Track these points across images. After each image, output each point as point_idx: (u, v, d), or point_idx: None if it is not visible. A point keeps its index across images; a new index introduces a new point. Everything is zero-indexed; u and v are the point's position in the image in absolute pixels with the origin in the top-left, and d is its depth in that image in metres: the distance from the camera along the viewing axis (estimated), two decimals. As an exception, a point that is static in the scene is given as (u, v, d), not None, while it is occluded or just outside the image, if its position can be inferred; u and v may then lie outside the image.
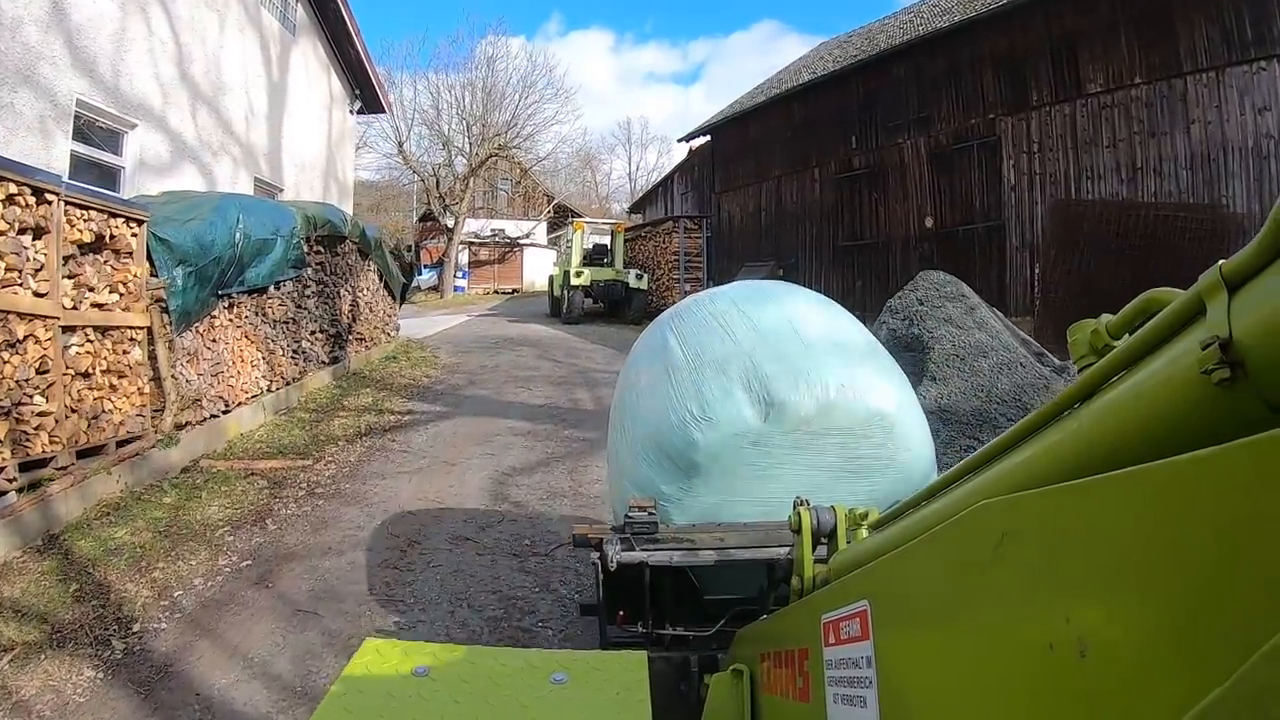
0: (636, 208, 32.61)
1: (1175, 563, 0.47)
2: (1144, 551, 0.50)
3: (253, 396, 7.55)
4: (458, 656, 1.41)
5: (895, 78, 15.73)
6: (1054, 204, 12.47)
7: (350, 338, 10.38)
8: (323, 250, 9.40)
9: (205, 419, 6.50)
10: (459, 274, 31.29)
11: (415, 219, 35.40)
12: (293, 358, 8.49)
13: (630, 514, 2.39)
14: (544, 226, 35.21)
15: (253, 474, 6.24)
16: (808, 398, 2.45)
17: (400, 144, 29.98)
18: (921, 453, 2.63)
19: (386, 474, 6.26)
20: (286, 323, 8.34)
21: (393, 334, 12.95)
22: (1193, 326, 0.58)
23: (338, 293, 9.93)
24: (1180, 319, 0.59)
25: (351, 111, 14.31)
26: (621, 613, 2.43)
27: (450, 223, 29.61)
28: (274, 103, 11.26)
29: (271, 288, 7.96)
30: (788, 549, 1.88)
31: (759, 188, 19.89)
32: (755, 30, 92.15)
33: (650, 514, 2.39)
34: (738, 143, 20.96)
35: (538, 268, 34.63)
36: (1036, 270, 13.02)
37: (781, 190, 19.05)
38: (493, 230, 33.88)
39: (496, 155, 30.42)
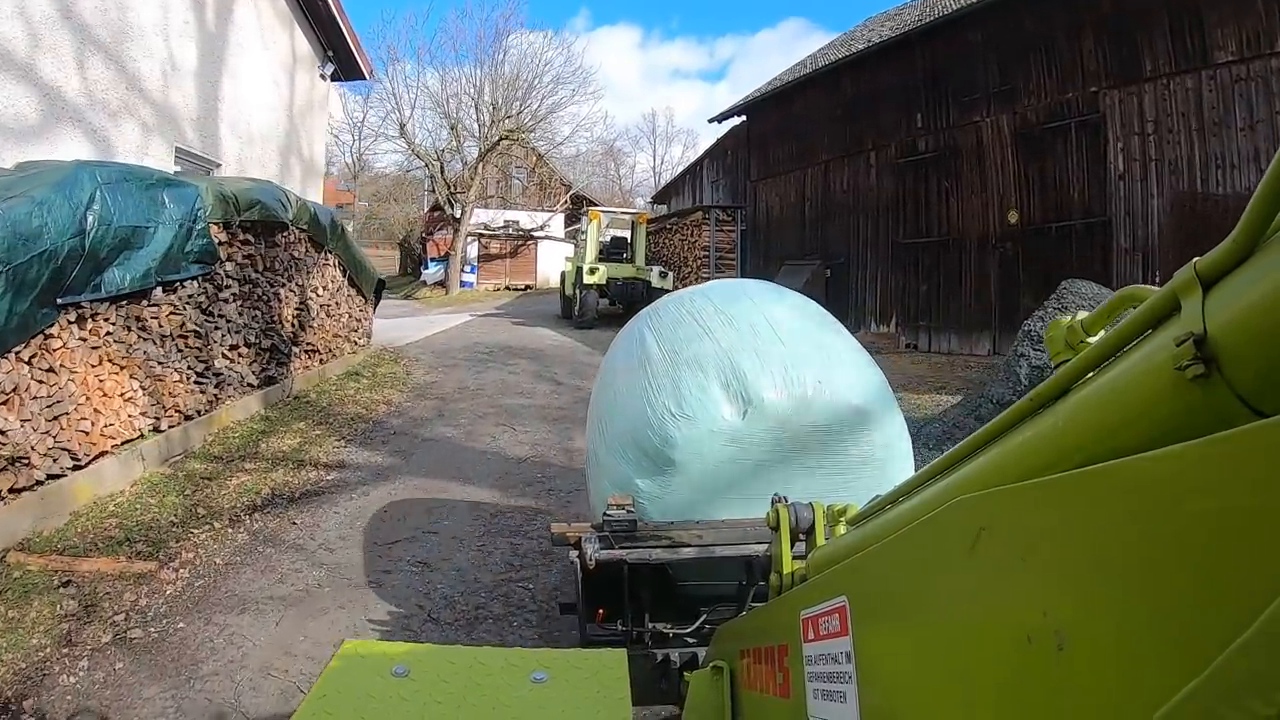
0: (661, 198, 29.95)
1: (1151, 556, 0.47)
2: (1120, 545, 0.51)
3: (125, 442, 5.42)
4: (437, 656, 1.41)
5: (971, 43, 13.14)
6: (1174, 198, 10.31)
7: (296, 350, 8.17)
8: (252, 240, 7.23)
9: (35, 483, 4.52)
10: (467, 268, 28.87)
11: (426, 209, 32.68)
12: (198, 383, 6.35)
13: (608, 512, 2.44)
14: (561, 219, 32.67)
15: (70, 581, 4.07)
16: (785, 395, 2.48)
17: (402, 125, 27.36)
18: (898, 449, 2.66)
19: (251, 600, 3.98)
20: (187, 337, 6.15)
21: (362, 342, 10.73)
22: (1167, 323, 0.58)
23: (275, 294, 7.71)
24: (1155, 315, 0.60)
25: (323, 77, 12.07)
26: (601, 611, 2.45)
27: (457, 212, 27.06)
28: (207, 57, 8.95)
29: (158, 290, 5.83)
30: (766, 546, 1.82)
31: (802, 175, 17.29)
32: (782, 28, 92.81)
33: (629, 512, 2.44)
34: (778, 123, 18.24)
35: (553, 262, 32.13)
36: (1156, 279, 10.47)
37: (830, 178, 16.46)
38: (505, 221, 30.96)
39: (509, 138, 27.50)
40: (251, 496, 5.34)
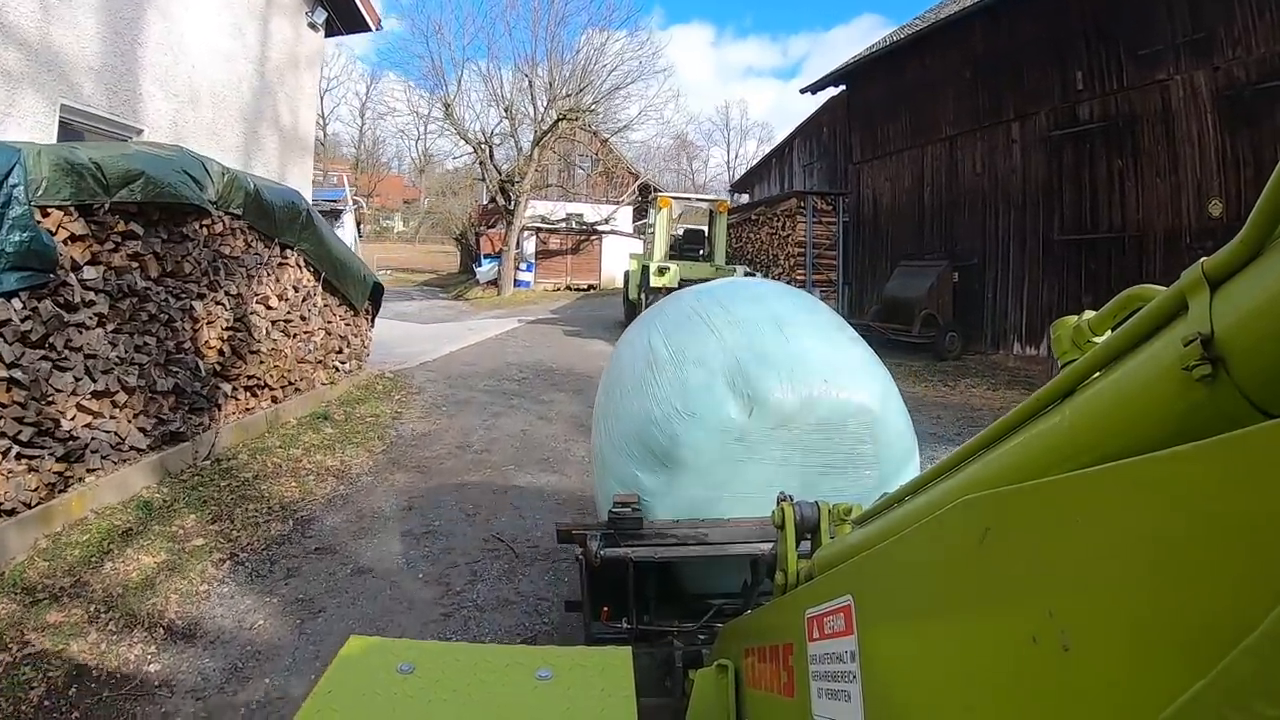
0: (741, 186, 26.64)
1: (1157, 557, 0.47)
2: (1126, 546, 0.51)
3: None
4: (442, 654, 1.41)
5: (1150, -22, 9.87)
6: None
7: (225, 389, 5.71)
8: (140, 232, 4.79)
9: None
10: (522, 266, 26.38)
11: (485, 200, 29.50)
12: (22, 457, 4.17)
13: (614, 510, 2.42)
14: (628, 211, 29.77)
15: None
16: (791, 393, 2.47)
17: (447, 105, 24.05)
18: (904, 448, 2.64)
19: None
20: (-7, 387, 3.74)
21: (348, 366, 8.26)
22: (1174, 323, 0.58)
23: (186, 310, 5.25)
24: (1162, 316, 0.60)
25: (313, 26, 9.63)
26: (606, 609, 2.44)
27: (511, 204, 24.14)
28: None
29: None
30: (771, 544, 1.83)
31: (920, 154, 14.01)
32: (855, 24, 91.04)
33: (634, 510, 2.43)
34: (887, 92, 14.89)
35: (619, 260, 29.42)
36: None
37: (957, 156, 13.15)
38: (567, 214, 27.82)
39: (568, 119, 24.04)
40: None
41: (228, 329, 5.85)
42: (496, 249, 25.84)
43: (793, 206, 15.41)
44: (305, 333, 7.19)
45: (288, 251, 6.74)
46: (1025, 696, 0.59)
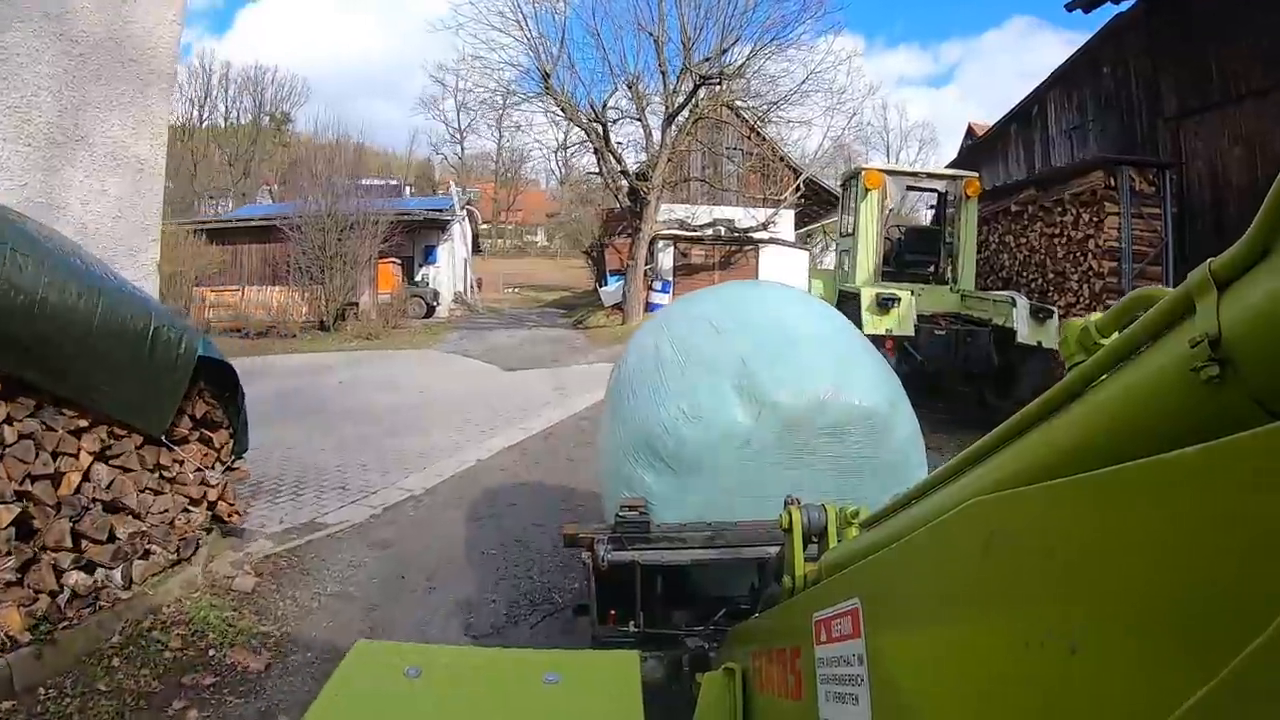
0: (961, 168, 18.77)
1: (1165, 559, 0.48)
2: (1134, 548, 0.51)
3: None
4: (450, 657, 1.43)
5: None
6: None
7: None
8: None
9: None
10: (657, 285, 21.09)
11: (620, 203, 20.77)
12: None
13: (621, 513, 2.44)
14: (790, 216, 23.45)
15: None
16: (798, 398, 2.49)
17: (546, 76, 17.72)
18: (911, 451, 2.66)
19: None
20: None
21: (152, 572, 3.35)
22: (1181, 324, 0.58)
23: None
24: (1169, 317, 0.60)
25: None
26: (613, 612, 2.44)
27: (638, 206, 18.31)
28: None
29: None
30: (778, 548, 1.79)
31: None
32: (1009, 27, 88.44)
33: (641, 513, 2.44)
34: (1219, 4, 8.70)
35: (780, 274, 23.52)
36: None
37: None
38: (714, 219, 21.03)
39: (708, 83, 17.74)
40: None
41: None
42: (625, 263, 20.52)
43: (1098, 182, 9.00)
44: None
45: None
46: (1032, 699, 0.60)
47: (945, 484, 0.96)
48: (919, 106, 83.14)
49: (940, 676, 0.77)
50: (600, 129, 18.02)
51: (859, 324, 7.30)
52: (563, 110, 18.20)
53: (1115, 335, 0.75)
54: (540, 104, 19.20)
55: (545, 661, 1.39)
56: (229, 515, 4.46)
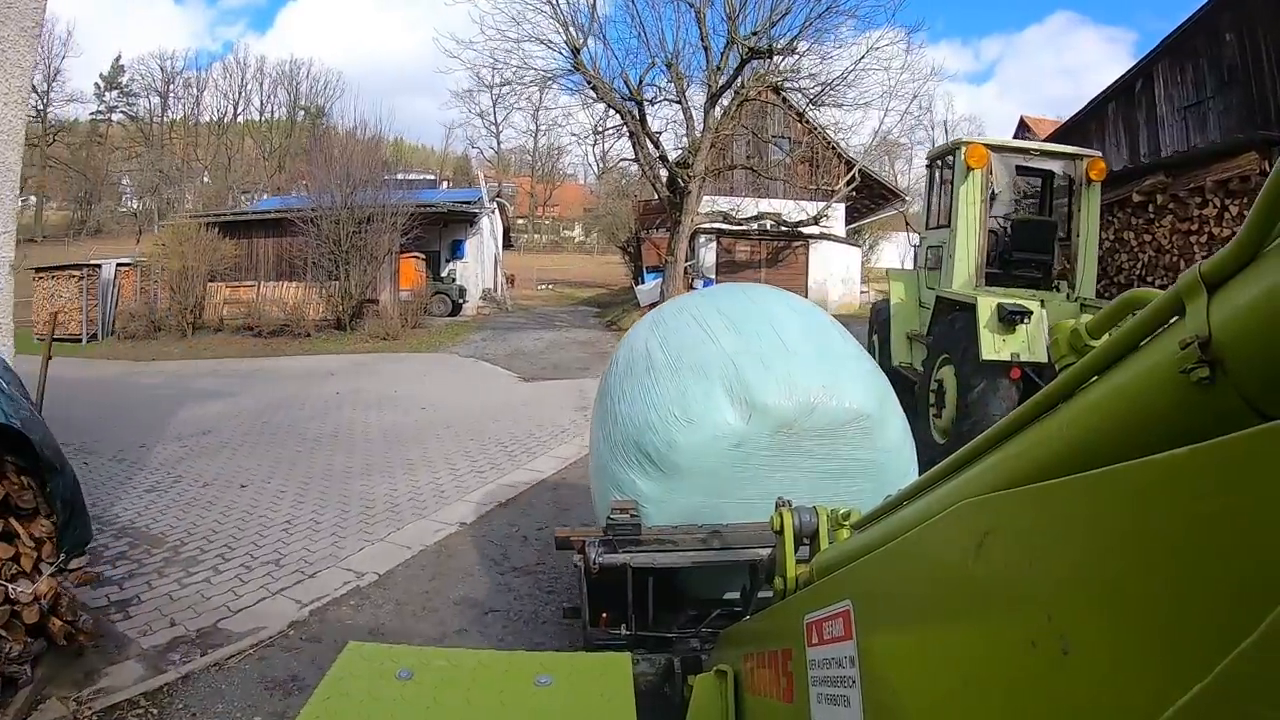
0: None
1: (1156, 560, 0.47)
2: (1125, 549, 0.51)
3: None
4: (441, 659, 1.39)
5: None
6: None
7: None
8: None
9: None
10: (698, 283, 19.29)
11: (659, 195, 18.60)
12: None
13: (612, 516, 2.41)
14: (841, 210, 21.42)
15: None
16: (789, 400, 2.47)
17: (576, 51, 15.85)
18: (902, 453, 2.64)
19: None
20: None
21: None
22: (1172, 326, 0.58)
23: None
24: (1159, 319, 0.60)
25: None
26: (605, 615, 2.42)
27: (678, 196, 16.39)
28: None
29: None
30: (770, 550, 1.79)
31: None
32: (1049, 23, 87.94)
33: (632, 516, 2.41)
34: None
35: (832, 272, 21.64)
36: None
37: None
38: (759, 212, 19.11)
39: (757, 56, 15.68)
40: None
41: None
42: (664, 259, 18.77)
43: (1249, 169, 7.16)
44: None
45: None
46: (1025, 700, 0.59)
47: (937, 485, 0.95)
48: (959, 104, 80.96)
49: (932, 677, 0.76)
50: (636, 109, 16.25)
51: (968, 341, 5.63)
52: (594, 90, 16.47)
53: (1106, 337, 0.74)
54: (570, 82, 17.55)
55: (537, 663, 1.38)
56: (66, 637, 3.02)
